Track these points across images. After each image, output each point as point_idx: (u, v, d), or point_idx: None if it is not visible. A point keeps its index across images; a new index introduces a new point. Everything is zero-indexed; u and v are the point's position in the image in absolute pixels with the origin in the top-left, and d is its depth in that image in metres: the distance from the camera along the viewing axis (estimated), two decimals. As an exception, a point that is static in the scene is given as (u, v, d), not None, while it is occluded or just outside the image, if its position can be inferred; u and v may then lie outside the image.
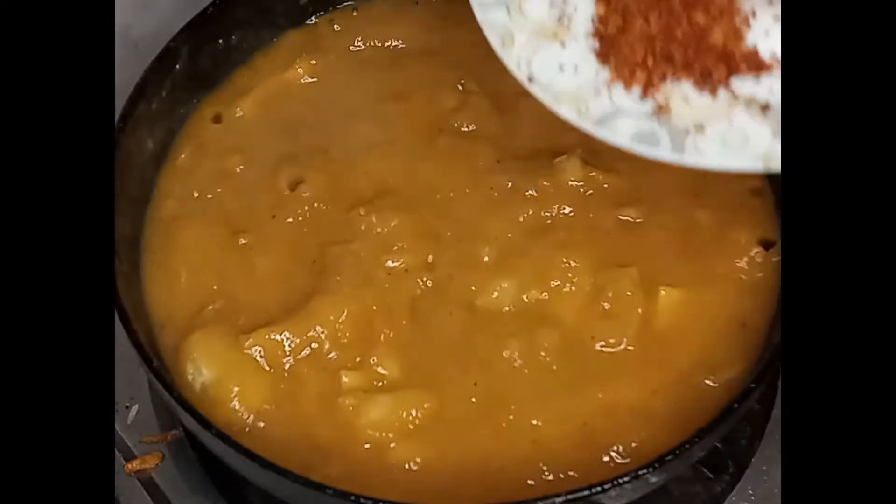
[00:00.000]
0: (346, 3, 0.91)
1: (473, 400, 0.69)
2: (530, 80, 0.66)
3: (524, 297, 0.73)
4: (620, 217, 0.77)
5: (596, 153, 0.80)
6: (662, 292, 0.73)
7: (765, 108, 0.63)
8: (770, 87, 0.63)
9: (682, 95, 0.63)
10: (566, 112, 0.65)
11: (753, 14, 0.64)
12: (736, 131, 0.62)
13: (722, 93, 0.63)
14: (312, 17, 0.91)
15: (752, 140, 0.62)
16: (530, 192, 0.77)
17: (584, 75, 0.65)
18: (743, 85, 0.63)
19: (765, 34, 0.64)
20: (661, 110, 0.63)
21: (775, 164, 0.60)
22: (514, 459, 0.67)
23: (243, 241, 0.77)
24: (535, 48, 0.67)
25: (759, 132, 0.62)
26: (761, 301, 0.73)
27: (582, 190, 0.78)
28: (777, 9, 0.64)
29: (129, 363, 0.67)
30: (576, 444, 0.68)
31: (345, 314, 0.72)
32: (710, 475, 0.77)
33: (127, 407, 0.82)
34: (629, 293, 0.72)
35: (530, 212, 0.76)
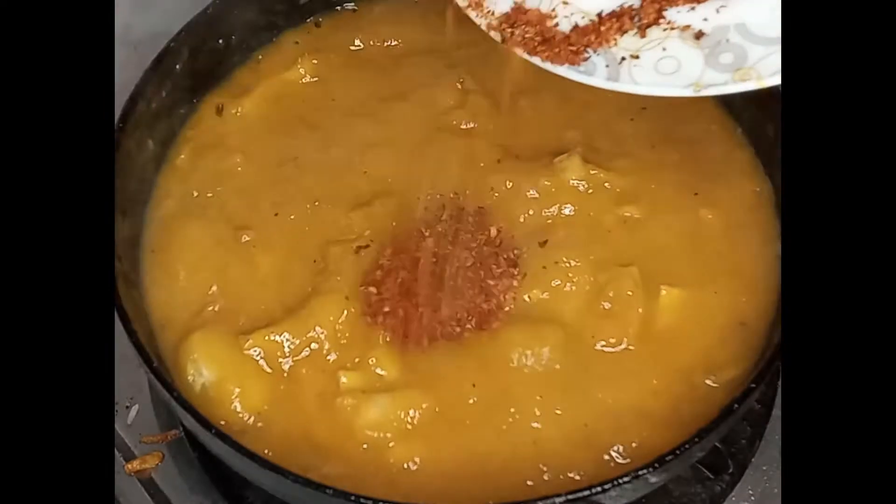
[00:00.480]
0: (345, 3, 0.91)
1: (472, 400, 0.69)
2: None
3: (525, 297, 0.73)
4: (621, 216, 0.77)
5: (596, 151, 0.80)
6: (663, 292, 0.73)
7: (698, 35, 0.65)
8: (704, 15, 0.65)
9: (621, 30, 0.66)
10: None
11: None
12: (669, 59, 0.64)
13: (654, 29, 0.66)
14: (312, 17, 0.91)
15: (684, 66, 0.64)
16: (531, 191, 0.77)
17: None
18: (678, 15, 0.66)
19: None
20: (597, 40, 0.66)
21: (706, 90, 0.62)
22: (513, 459, 0.67)
23: (243, 241, 0.77)
24: None
25: (691, 58, 0.64)
26: (761, 301, 0.73)
27: (582, 189, 0.78)
28: None
29: (129, 363, 0.67)
30: (576, 444, 0.68)
31: (344, 315, 0.72)
32: (710, 475, 0.77)
33: (127, 407, 0.83)
34: (630, 293, 0.72)
35: (531, 212, 0.76)
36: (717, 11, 0.65)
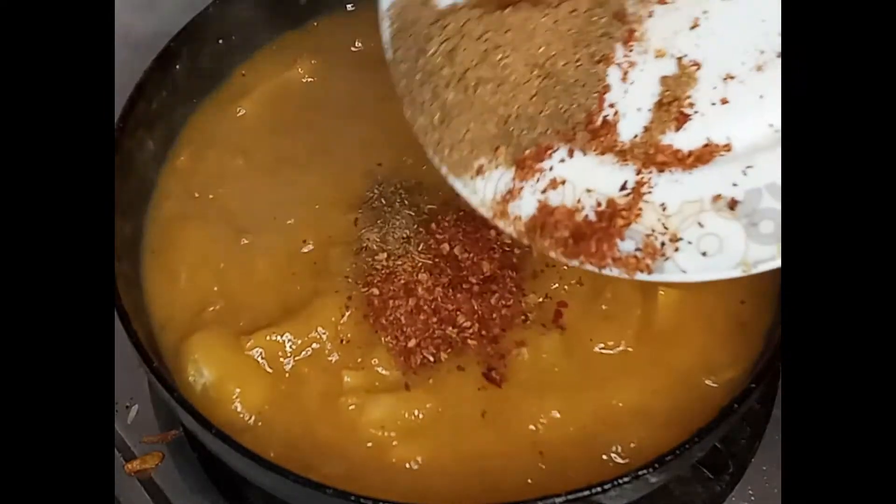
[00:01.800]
0: (345, 3, 0.91)
1: (474, 401, 0.69)
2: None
3: (525, 300, 0.72)
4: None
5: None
6: (661, 293, 0.73)
7: (732, 205, 0.61)
8: (732, 180, 0.61)
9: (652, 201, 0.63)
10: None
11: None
12: (709, 237, 0.61)
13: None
14: (312, 17, 0.91)
15: (727, 243, 0.60)
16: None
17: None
18: (697, 177, 0.62)
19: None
20: (627, 223, 0.63)
21: (755, 268, 0.60)
22: (514, 459, 0.67)
23: (243, 242, 0.77)
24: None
25: (731, 232, 0.60)
26: (761, 301, 0.73)
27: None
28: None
29: (129, 363, 0.67)
30: (576, 445, 0.68)
31: (346, 315, 0.72)
32: (710, 475, 0.77)
33: (127, 407, 0.82)
34: (628, 294, 0.72)
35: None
36: (745, 174, 0.61)
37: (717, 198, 0.61)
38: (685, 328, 0.72)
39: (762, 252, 0.59)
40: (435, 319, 0.71)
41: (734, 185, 0.61)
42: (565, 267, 0.73)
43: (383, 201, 0.78)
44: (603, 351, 0.72)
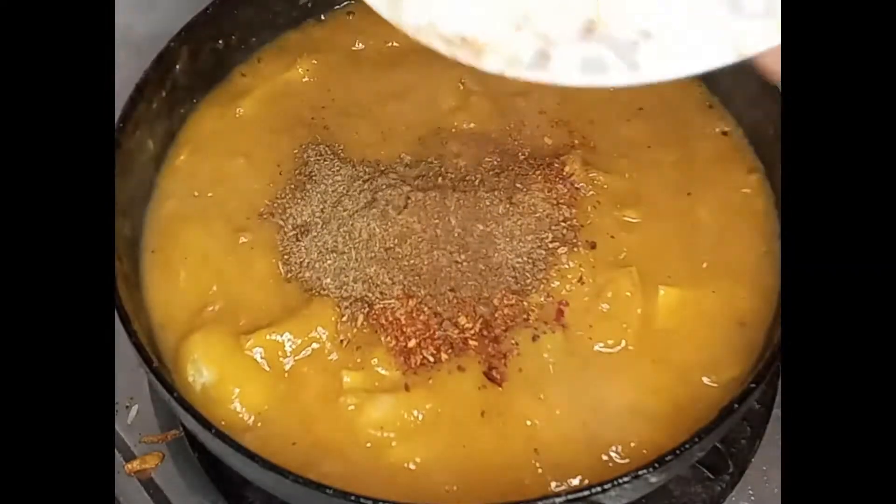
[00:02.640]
0: (346, 4, 0.91)
1: (473, 400, 0.69)
2: (422, 28, 0.57)
3: (525, 300, 0.72)
4: (619, 217, 0.77)
5: (595, 152, 0.80)
6: (661, 292, 0.73)
7: None
8: None
9: None
10: (492, 65, 0.55)
11: None
12: (687, 25, 0.51)
13: None
14: (312, 17, 0.91)
15: (710, 27, 0.51)
16: (531, 192, 0.77)
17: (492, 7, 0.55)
18: None
19: None
20: (592, 25, 0.53)
21: (749, 49, 0.51)
22: (513, 459, 0.67)
23: (244, 241, 0.77)
24: None
25: (714, 14, 0.51)
26: (761, 301, 0.73)
27: (582, 191, 0.78)
28: None
29: (129, 363, 0.67)
30: (575, 445, 0.68)
31: (346, 315, 0.72)
32: (710, 475, 0.77)
33: (127, 407, 0.83)
34: (628, 293, 0.72)
35: (531, 212, 0.76)
36: None
37: None
38: (685, 327, 0.72)
39: (754, 27, 0.51)
40: (435, 320, 0.71)
41: None
42: (566, 266, 0.73)
43: (384, 202, 0.77)
44: (603, 350, 0.72)
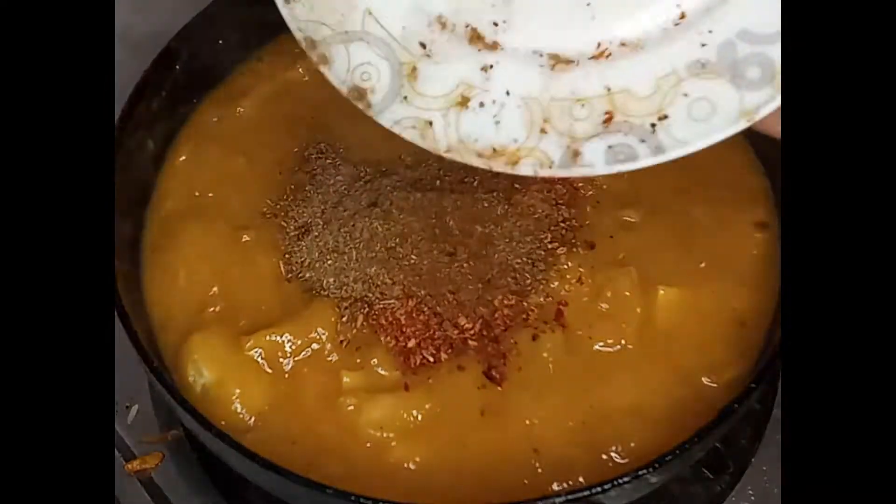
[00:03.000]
0: (346, 3, 0.91)
1: (473, 400, 0.69)
2: (453, 147, 0.62)
3: (525, 300, 0.72)
4: (619, 218, 0.77)
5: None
6: (661, 291, 0.73)
7: (705, 64, 0.58)
8: (700, 41, 0.58)
9: (624, 90, 0.59)
10: (527, 169, 0.60)
11: None
12: (698, 102, 0.58)
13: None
14: (312, 17, 0.90)
15: (718, 103, 0.57)
16: (530, 192, 0.77)
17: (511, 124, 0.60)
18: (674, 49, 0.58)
19: None
20: (611, 117, 0.59)
21: (757, 114, 0.56)
22: (513, 459, 0.67)
23: (244, 242, 0.77)
24: (456, 115, 0.62)
25: (718, 91, 0.57)
26: (761, 301, 0.73)
27: (581, 191, 0.78)
28: None
29: (129, 363, 0.67)
30: (575, 444, 0.68)
31: (346, 316, 0.72)
32: (710, 475, 0.77)
33: (127, 407, 0.83)
34: (627, 293, 0.72)
35: (530, 213, 0.76)
36: (711, 31, 0.58)
37: (692, 64, 0.58)
38: (685, 327, 0.72)
39: (758, 97, 0.57)
40: (435, 320, 0.71)
41: (703, 45, 0.58)
42: (566, 266, 0.73)
43: (384, 201, 0.77)
44: (603, 350, 0.72)
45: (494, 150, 0.60)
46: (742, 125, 0.57)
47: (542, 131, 0.60)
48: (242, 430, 0.69)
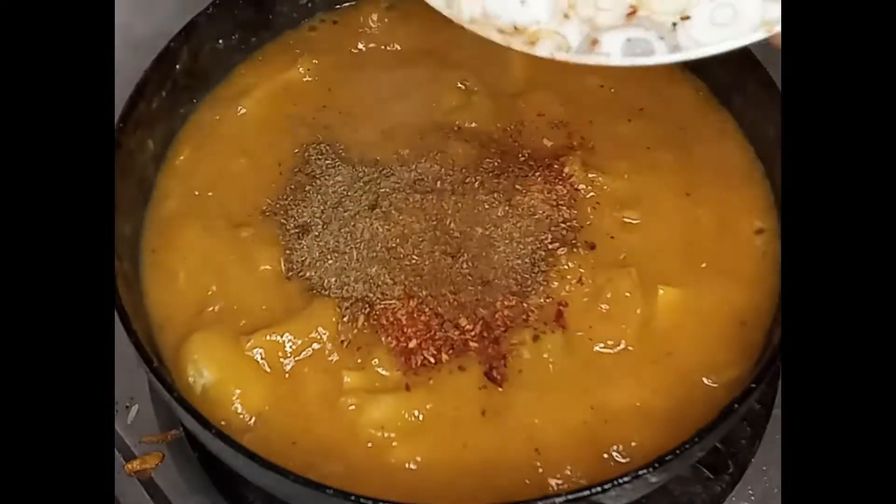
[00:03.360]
0: (346, 3, 0.91)
1: (474, 400, 0.69)
2: (476, 19, 0.62)
3: (525, 301, 0.72)
4: (619, 217, 0.77)
5: (595, 153, 0.80)
6: (661, 292, 0.73)
7: None
8: None
9: None
10: (544, 51, 0.61)
11: None
12: (722, 7, 0.58)
13: None
14: (313, 17, 0.91)
15: (741, 9, 0.57)
16: (531, 193, 0.77)
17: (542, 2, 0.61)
18: None
19: None
20: (634, 11, 0.60)
21: (777, 26, 0.56)
22: (513, 459, 0.67)
23: (244, 241, 0.77)
24: None
25: None
26: (761, 300, 0.73)
27: (582, 192, 0.78)
28: None
29: (129, 363, 0.67)
30: (575, 444, 0.68)
31: (346, 316, 0.72)
32: (710, 475, 0.77)
33: (127, 407, 0.83)
34: (628, 294, 0.72)
35: (531, 214, 0.76)
36: None
37: None
38: (685, 328, 0.72)
39: (779, 8, 0.57)
40: (436, 321, 0.71)
41: None
42: (566, 267, 0.73)
43: (385, 201, 0.77)
44: (603, 350, 0.72)
45: (516, 27, 0.61)
46: (760, 35, 0.57)
47: (566, 16, 0.60)
48: (242, 430, 0.69)
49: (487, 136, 0.82)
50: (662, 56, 0.59)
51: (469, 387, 0.70)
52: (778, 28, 0.56)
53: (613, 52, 0.59)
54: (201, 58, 0.84)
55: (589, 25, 0.60)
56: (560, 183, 0.78)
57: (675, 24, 0.59)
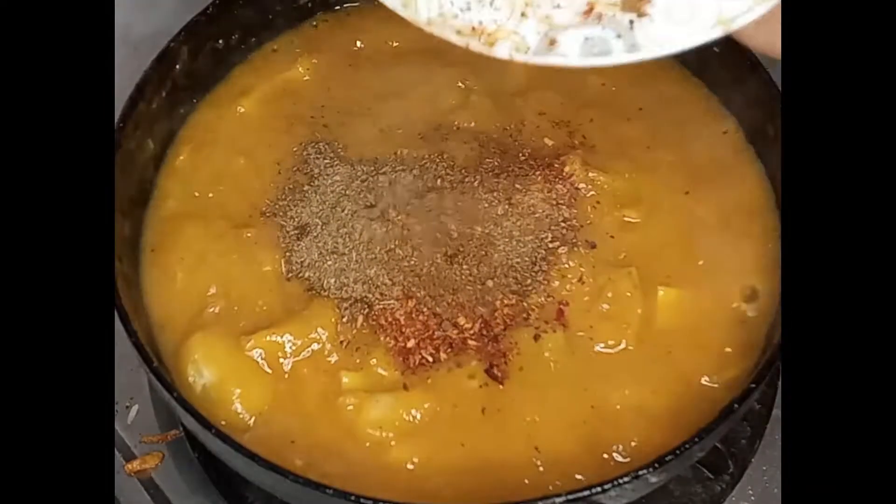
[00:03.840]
0: (346, 3, 0.91)
1: (473, 399, 0.69)
2: (433, 21, 0.61)
3: (525, 300, 0.72)
4: (619, 217, 0.77)
5: (595, 152, 0.80)
6: (661, 292, 0.73)
7: None
8: None
9: None
10: (503, 52, 0.59)
11: None
12: (679, 4, 0.57)
13: None
14: (312, 17, 0.91)
15: (697, 5, 0.56)
16: (531, 192, 0.77)
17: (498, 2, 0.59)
18: None
19: None
20: (591, 8, 0.58)
21: (734, 24, 0.56)
22: (513, 459, 0.67)
23: (244, 242, 0.77)
24: None
25: None
26: (761, 300, 0.73)
27: (582, 191, 0.78)
28: None
29: (129, 363, 0.67)
30: (575, 444, 0.68)
31: (345, 316, 0.72)
32: (710, 475, 0.77)
33: (127, 407, 0.83)
34: (628, 293, 0.72)
35: (531, 213, 0.76)
36: None
37: None
38: (685, 327, 0.72)
39: (737, 6, 0.56)
40: (435, 320, 0.71)
41: None
42: (566, 266, 0.73)
43: (385, 201, 0.77)
44: (603, 350, 0.72)
45: (474, 28, 0.60)
46: (718, 33, 0.56)
47: (523, 15, 0.59)
48: (242, 430, 0.69)
49: (487, 136, 0.82)
50: (620, 56, 0.57)
51: (468, 385, 0.70)
52: (735, 26, 0.56)
53: (570, 53, 0.58)
54: (201, 58, 0.84)
55: (547, 24, 0.59)
56: (560, 182, 0.78)
57: (632, 23, 0.57)
